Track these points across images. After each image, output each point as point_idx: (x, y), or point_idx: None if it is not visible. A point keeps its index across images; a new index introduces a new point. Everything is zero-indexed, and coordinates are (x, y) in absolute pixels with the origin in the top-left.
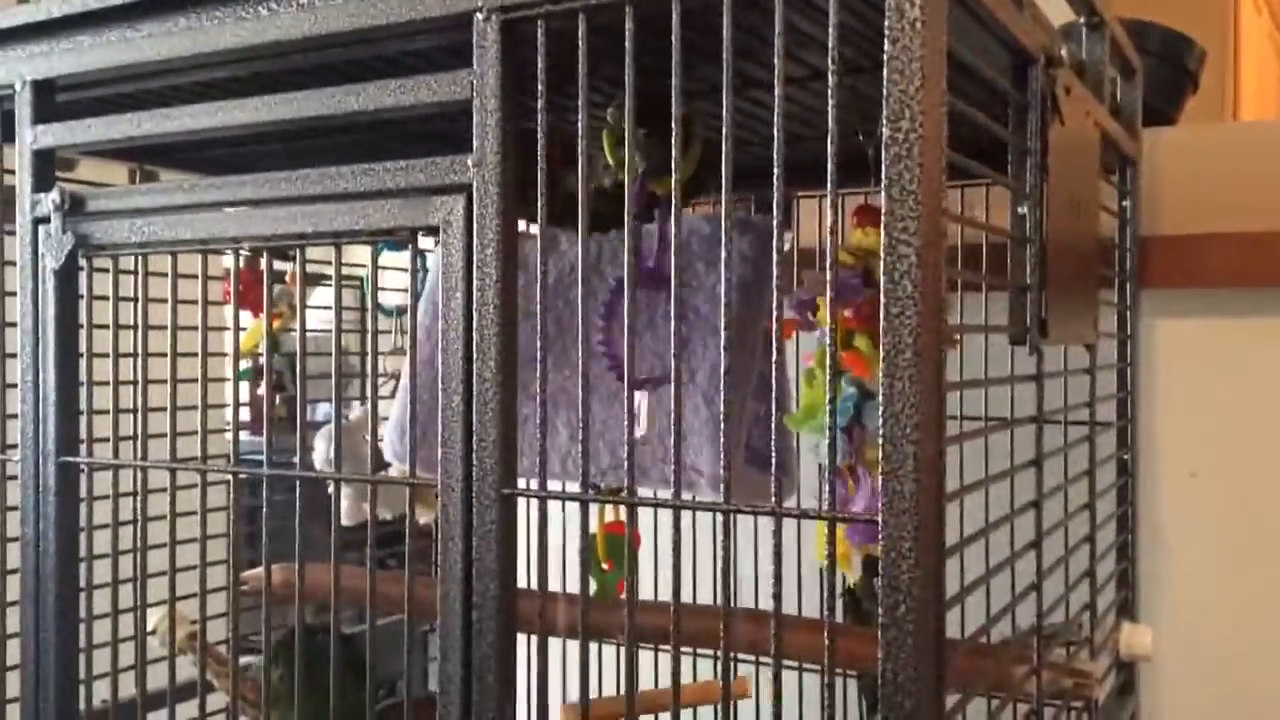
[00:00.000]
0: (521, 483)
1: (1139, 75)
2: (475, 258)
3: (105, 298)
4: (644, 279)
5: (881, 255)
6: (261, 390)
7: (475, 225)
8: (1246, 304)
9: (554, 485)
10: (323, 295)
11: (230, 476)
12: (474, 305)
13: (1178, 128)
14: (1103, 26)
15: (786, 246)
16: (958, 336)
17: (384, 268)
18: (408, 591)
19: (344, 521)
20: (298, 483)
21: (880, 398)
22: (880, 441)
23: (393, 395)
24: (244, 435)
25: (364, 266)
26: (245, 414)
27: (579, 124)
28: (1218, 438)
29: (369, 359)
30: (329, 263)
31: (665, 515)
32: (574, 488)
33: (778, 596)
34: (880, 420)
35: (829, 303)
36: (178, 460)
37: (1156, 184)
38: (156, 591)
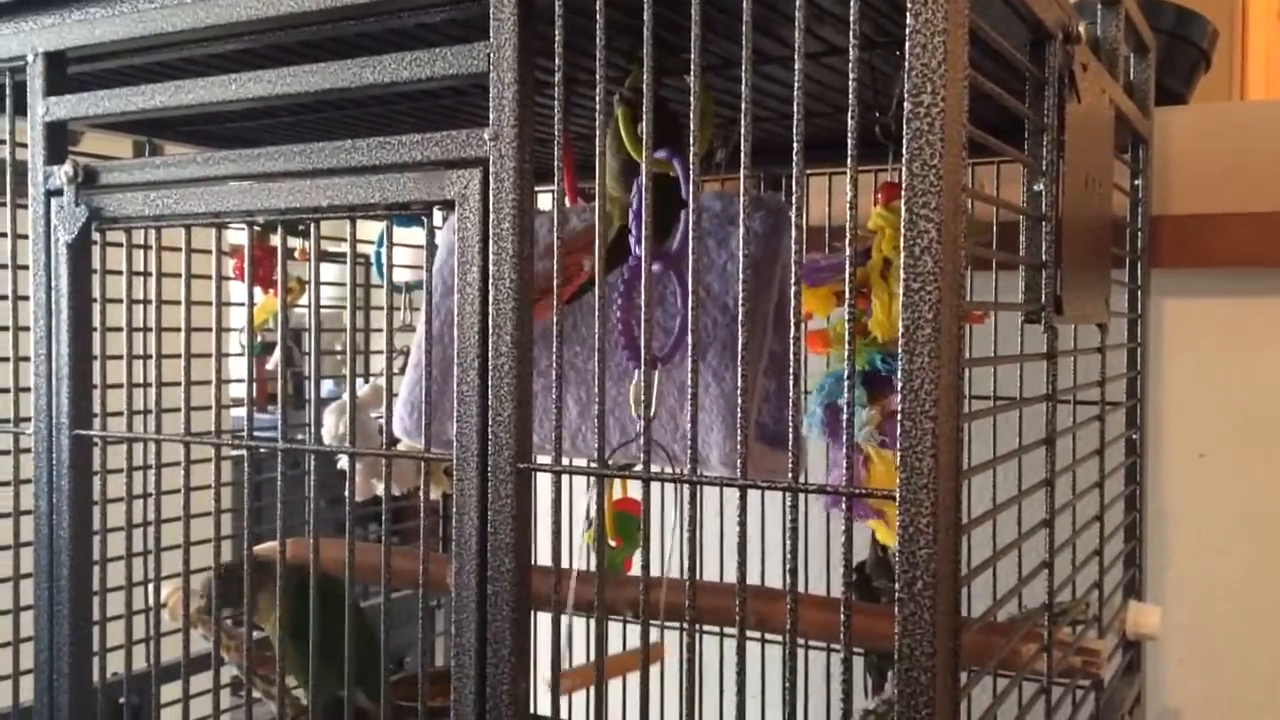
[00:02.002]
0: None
1: (1152, 53)
2: (491, 232)
3: (119, 272)
4: (655, 256)
5: (900, 230)
6: (270, 365)
7: (491, 199)
8: (1257, 284)
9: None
10: (328, 271)
11: (245, 450)
12: (490, 280)
13: (1189, 107)
14: (1118, 3)
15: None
16: (981, 313)
17: (399, 244)
18: (422, 565)
19: (357, 496)
20: (310, 457)
21: (846, 374)
22: (899, 418)
23: (402, 371)
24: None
25: (370, 243)
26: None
27: (596, 97)
28: (1226, 418)
29: (381, 335)
30: (337, 239)
31: (671, 493)
32: (582, 465)
33: (794, 572)
34: (847, 394)
35: (844, 281)
36: (192, 434)
37: (1168, 163)
38: (169, 565)
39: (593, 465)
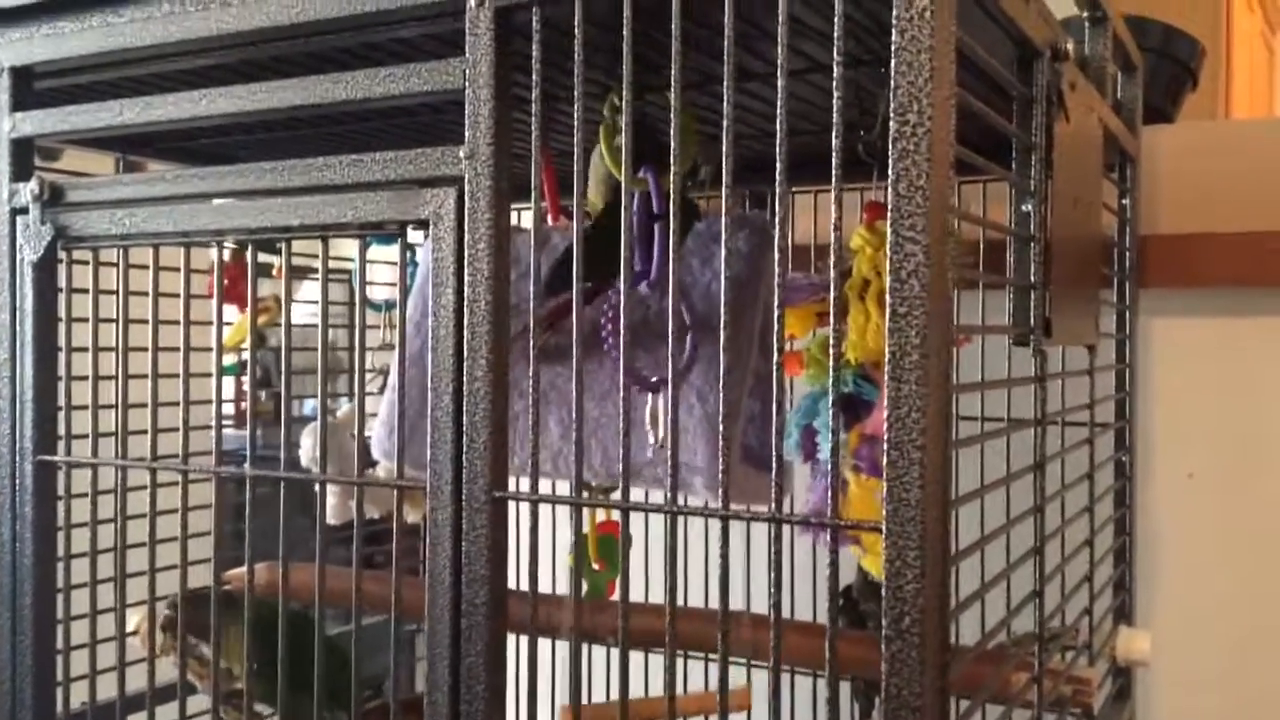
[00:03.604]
0: (513, 484)
1: (1140, 71)
2: (467, 252)
3: (85, 290)
4: (638, 277)
5: (882, 251)
6: (247, 386)
7: (467, 219)
8: (1245, 304)
9: (544, 483)
10: (309, 289)
11: (213, 476)
12: (465, 302)
13: (1177, 125)
14: (1105, 21)
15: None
16: (963, 336)
17: (372, 261)
18: (395, 593)
19: (329, 520)
20: (281, 483)
21: (830, 399)
22: (885, 446)
23: (381, 391)
24: (230, 430)
25: (351, 260)
26: (229, 410)
27: (574, 115)
28: (1215, 439)
29: (356, 354)
30: (316, 255)
31: (658, 516)
32: (565, 486)
33: (777, 606)
34: (828, 420)
35: (820, 301)
36: (158, 459)
37: (1155, 182)
38: (136, 591)
39: (571, 495)
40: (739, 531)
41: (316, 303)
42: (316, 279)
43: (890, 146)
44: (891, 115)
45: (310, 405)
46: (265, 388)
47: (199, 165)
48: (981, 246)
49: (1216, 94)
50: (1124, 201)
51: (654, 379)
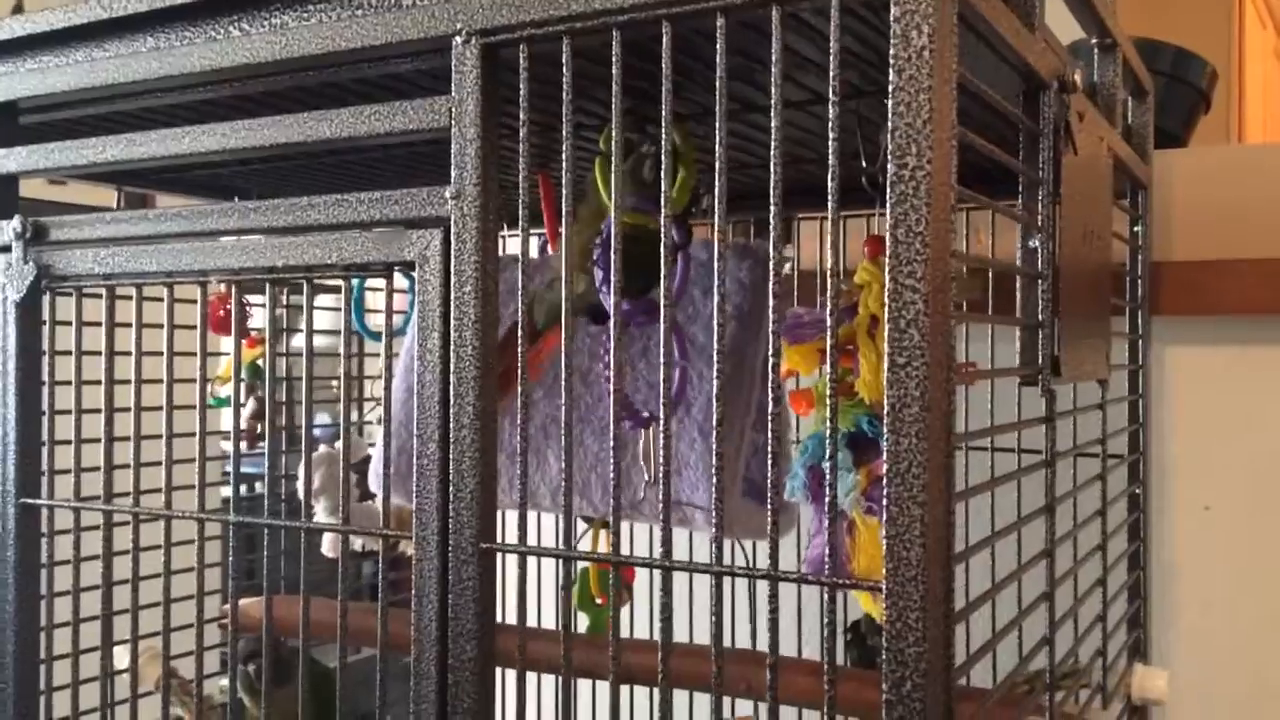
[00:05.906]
0: (507, 523)
1: (1151, 96)
2: (453, 295)
3: (69, 323)
4: (639, 309)
5: (885, 300)
6: (248, 412)
7: (453, 260)
8: (1262, 332)
9: (546, 518)
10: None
11: (196, 521)
12: (451, 346)
13: (1189, 150)
14: (1115, 47)
15: (786, 268)
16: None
17: (375, 289)
18: (380, 624)
19: (325, 552)
20: (265, 530)
21: (829, 451)
22: (885, 503)
23: (379, 423)
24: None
25: (354, 284)
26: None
27: (564, 151)
28: (1232, 470)
29: (367, 382)
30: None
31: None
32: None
33: (773, 667)
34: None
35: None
36: (141, 500)
37: (1168, 208)
38: (120, 630)
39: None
40: (741, 561)
41: (318, 332)
42: (326, 308)
43: (889, 189)
44: (889, 156)
45: (317, 429)
46: (263, 420)
47: (196, 195)
48: (989, 270)
49: (1229, 115)
50: (1135, 229)
51: (644, 414)
